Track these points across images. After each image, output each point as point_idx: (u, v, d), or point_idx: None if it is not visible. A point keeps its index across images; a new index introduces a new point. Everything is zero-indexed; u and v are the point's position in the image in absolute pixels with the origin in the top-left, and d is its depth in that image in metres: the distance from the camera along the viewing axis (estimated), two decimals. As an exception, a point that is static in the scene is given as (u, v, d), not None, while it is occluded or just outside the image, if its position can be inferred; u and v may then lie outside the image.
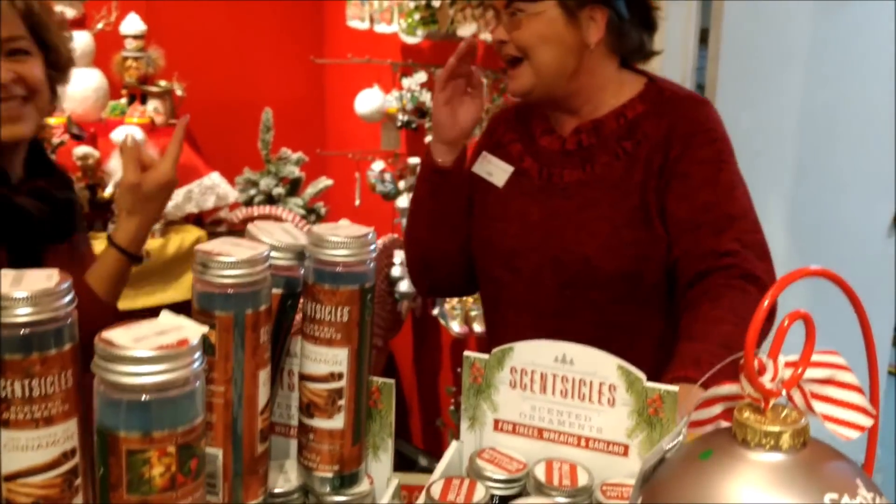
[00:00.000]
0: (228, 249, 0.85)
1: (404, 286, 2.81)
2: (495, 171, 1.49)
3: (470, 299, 2.71)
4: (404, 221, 2.83)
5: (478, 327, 2.66)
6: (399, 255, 2.87)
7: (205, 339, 0.83)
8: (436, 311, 2.77)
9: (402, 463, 3.57)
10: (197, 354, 0.64)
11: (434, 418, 3.09)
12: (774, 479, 0.57)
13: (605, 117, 1.42)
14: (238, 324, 0.84)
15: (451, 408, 2.77)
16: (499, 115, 1.61)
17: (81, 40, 2.78)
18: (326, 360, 0.92)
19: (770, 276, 1.29)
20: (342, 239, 0.91)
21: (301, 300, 0.95)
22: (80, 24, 2.81)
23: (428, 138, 2.64)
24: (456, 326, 2.69)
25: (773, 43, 2.30)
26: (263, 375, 0.89)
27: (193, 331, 0.65)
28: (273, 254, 0.91)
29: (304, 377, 0.95)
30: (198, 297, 0.85)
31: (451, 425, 2.82)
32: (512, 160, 1.49)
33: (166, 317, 0.67)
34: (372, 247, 0.93)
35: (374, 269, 0.94)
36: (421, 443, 3.22)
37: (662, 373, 1.16)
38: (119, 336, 0.62)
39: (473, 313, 2.68)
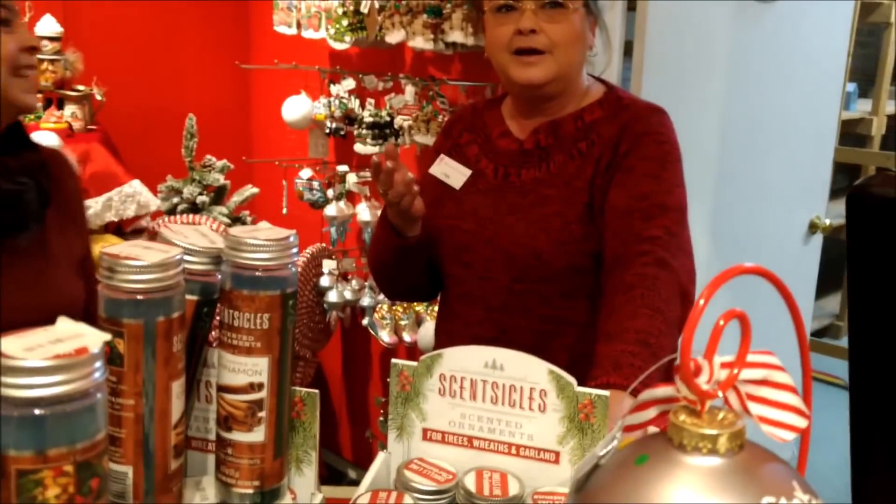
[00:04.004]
0: (138, 253, 0.79)
1: (333, 296, 2.76)
2: (452, 173, 1.50)
3: (400, 308, 2.67)
4: (333, 230, 2.78)
5: (407, 337, 2.62)
6: (328, 265, 2.82)
7: (113, 348, 0.77)
8: (365, 322, 2.72)
9: (332, 476, 3.50)
10: (98, 364, 0.59)
11: (364, 430, 3.04)
12: (712, 483, 0.55)
13: (563, 119, 1.44)
14: (148, 332, 0.79)
15: (381, 419, 2.72)
16: (455, 115, 1.62)
17: (-9, 41, 2.67)
18: (245, 369, 0.88)
19: (685, 270, 1.29)
20: (262, 242, 0.86)
21: (218, 307, 0.90)
22: (-10, 24, 2.69)
23: (357, 146, 2.60)
24: (385, 336, 2.65)
25: (696, 53, 2.33)
26: (177, 387, 0.84)
27: (94, 338, 0.60)
28: (187, 258, 0.86)
29: (221, 388, 0.90)
30: (104, 304, 0.79)
31: (381, 437, 2.77)
32: (468, 162, 1.50)
33: (64, 324, 0.61)
34: (294, 250, 0.89)
35: (296, 274, 0.90)
36: (350, 455, 3.16)
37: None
38: (10, 345, 0.56)
39: (403, 322, 2.64)
